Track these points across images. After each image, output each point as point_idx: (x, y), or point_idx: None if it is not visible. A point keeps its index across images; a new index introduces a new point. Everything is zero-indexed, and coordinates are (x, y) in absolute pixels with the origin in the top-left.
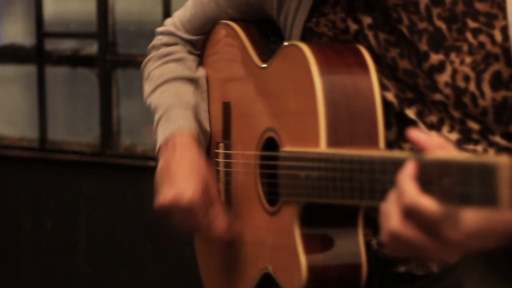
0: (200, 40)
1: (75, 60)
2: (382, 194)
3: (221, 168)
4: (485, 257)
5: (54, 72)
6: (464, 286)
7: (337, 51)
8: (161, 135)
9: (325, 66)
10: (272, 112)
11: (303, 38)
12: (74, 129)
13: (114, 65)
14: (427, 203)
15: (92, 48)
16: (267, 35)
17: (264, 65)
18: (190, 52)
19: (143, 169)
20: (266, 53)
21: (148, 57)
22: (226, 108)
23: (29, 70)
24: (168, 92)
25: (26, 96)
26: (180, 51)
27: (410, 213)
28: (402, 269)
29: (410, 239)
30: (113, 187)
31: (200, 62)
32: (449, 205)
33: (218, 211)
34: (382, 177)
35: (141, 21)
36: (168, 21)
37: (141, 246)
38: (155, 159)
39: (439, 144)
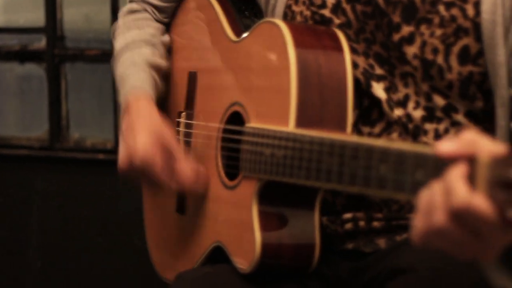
0: (171, 8)
1: (23, 55)
2: (352, 179)
3: (181, 138)
4: None
5: (2, 68)
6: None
7: (314, 32)
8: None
9: (301, 46)
10: (240, 86)
11: (285, 16)
12: (23, 124)
13: (62, 59)
14: (482, 205)
15: (40, 43)
16: (241, 10)
17: (237, 39)
18: (157, 20)
19: (92, 162)
20: (239, 27)
21: (114, 24)
22: (192, 78)
23: None
24: (125, 59)
25: None
26: (145, 18)
27: (460, 214)
28: (349, 245)
29: (454, 238)
30: (63, 181)
31: (168, 30)
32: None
33: (180, 162)
34: (353, 162)
35: (89, 15)
36: None
37: (92, 239)
38: (104, 152)
39: (471, 143)
